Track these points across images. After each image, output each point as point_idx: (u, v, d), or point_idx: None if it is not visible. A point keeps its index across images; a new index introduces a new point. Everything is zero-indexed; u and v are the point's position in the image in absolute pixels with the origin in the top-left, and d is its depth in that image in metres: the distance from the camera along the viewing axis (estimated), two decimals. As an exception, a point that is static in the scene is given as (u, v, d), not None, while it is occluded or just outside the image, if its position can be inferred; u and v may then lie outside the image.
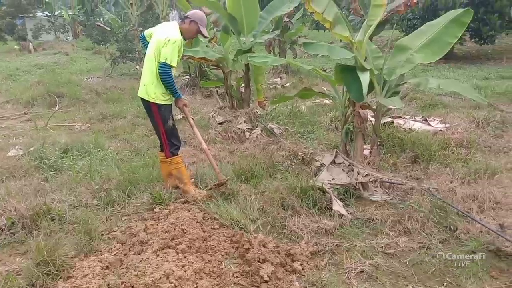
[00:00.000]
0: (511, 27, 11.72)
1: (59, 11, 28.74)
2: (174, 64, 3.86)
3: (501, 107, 7.04)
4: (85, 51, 20.70)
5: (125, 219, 3.76)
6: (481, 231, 3.38)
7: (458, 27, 3.95)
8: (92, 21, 18.90)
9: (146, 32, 4.24)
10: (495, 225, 3.47)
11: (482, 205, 3.78)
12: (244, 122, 6.38)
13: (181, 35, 4.00)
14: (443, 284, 2.86)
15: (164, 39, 3.84)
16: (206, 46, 7.03)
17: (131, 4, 13.77)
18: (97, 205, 3.99)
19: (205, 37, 4.29)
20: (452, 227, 3.47)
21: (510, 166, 4.65)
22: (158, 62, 3.88)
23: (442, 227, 3.49)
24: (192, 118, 4.42)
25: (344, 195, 4.06)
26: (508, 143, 5.39)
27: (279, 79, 11.25)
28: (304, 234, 3.47)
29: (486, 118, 6.18)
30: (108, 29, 14.70)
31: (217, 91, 8.64)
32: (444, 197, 3.89)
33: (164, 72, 3.84)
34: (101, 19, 18.30)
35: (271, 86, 10.19)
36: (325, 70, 10.97)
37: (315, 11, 3.79)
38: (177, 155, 4.15)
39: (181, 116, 4.44)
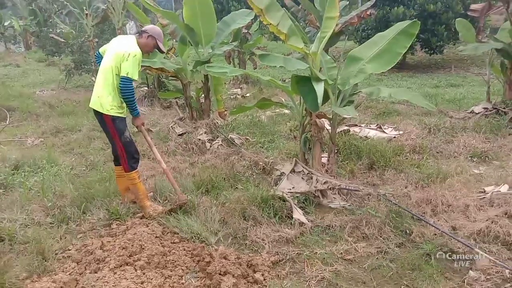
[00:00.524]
0: (457, 37, 12.35)
1: (9, 21, 27.58)
2: (135, 77, 3.80)
3: (450, 113, 7.38)
4: (38, 62, 19.92)
5: (81, 237, 3.63)
6: (435, 234, 3.52)
7: (407, 38, 4.13)
8: (45, 32, 18.24)
9: (101, 49, 4.13)
10: (448, 228, 3.62)
11: (435, 208, 3.94)
12: (205, 133, 6.35)
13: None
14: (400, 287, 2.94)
15: (124, 53, 3.78)
16: (164, 57, 6.96)
17: (86, 14, 13.42)
18: (50, 223, 3.83)
19: (162, 52, 4.26)
20: (407, 231, 3.59)
21: (460, 170, 4.88)
22: (117, 75, 3.81)
23: (398, 231, 3.60)
24: (150, 131, 4.35)
25: (304, 203, 4.11)
26: (458, 148, 5.65)
27: (239, 89, 11.28)
28: (266, 243, 3.48)
29: (437, 125, 6.47)
30: (63, 40, 14.25)
31: (176, 102, 8.55)
32: (399, 202, 4.02)
33: (125, 87, 3.77)
34: (55, 30, 17.73)
35: (231, 97, 10.20)
36: (284, 81, 11.13)
37: (270, 24, 3.84)
38: (136, 168, 4.05)
39: (138, 130, 4.33)
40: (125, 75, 3.75)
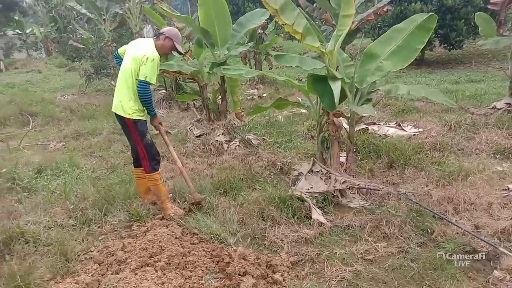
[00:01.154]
0: (476, 32, 12.11)
1: (31, 28, 28.29)
2: (153, 81, 3.86)
3: (471, 109, 7.23)
4: (58, 68, 20.42)
5: (102, 238, 3.69)
6: (457, 233, 3.45)
7: (424, 32, 4.05)
8: (65, 38, 18.65)
9: (120, 50, 4.21)
10: (470, 226, 3.55)
11: (457, 206, 3.86)
12: (222, 134, 6.38)
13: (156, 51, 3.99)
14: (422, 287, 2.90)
15: (142, 57, 3.82)
16: (181, 60, 7.03)
17: (104, 20, 13.66)
18: (73, 225, 3.90)
19: (180, 53, 4.29)
20: (429, 230, 3.53)
21: (482, 167, 4.77)
22: (136, 79, 3.86)
23: (419, 231, 3.54)
24: (169, 133, 4.40)
25: (322, 203, 4.09)
26: (479, 145, 5.53)
27: (256, 90, 11.31)
28: (285, 244, 3.47)
29: (458, 121, 6.35)
30: (82, 46, 14.55)
31: (194, 104, 8.62)
32: (420, 200, 3.96)
33: (143, 90, 3.83)
34: (74, 36, 18.09)
35: (248, 97, 10.23)
36: (300, 80, 11.10)
37: (285, 23, 3.83)
38: (158, 170, 4.10)
39: (156, 132, 4.40)
40: (143, 79, 3.80)
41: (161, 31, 4.15)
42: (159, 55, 4.04)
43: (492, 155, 5.26)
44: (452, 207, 3.85)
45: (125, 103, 3.92)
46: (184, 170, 4.18)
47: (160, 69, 6.06)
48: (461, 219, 3.68)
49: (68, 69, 19.41)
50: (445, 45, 13.83)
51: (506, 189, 4.19)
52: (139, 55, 3.84)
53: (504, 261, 3.07)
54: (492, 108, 7.09)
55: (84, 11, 14.51)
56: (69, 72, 18.47)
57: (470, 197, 3.95)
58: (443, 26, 12.70)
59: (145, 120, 4.07)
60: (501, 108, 6.89)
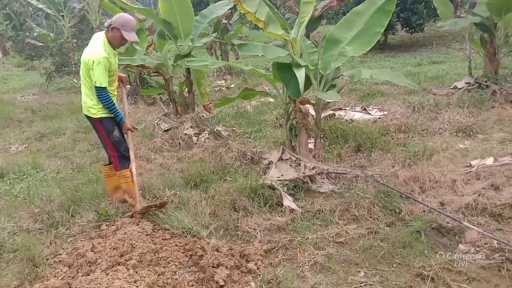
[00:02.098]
0: (436, 15, 12.40)
1: (-17, 27, 26.96)
2: (104, 84, 3.74)
3: (434, 90, 7.43)
4: (17, 68, 19.57)
5: (71, 240, 3.60)
6: (424, 211, 3.56)
7: (384, 16, 4.11)
8: (22, 36, 17.86)
9: None
10: (436, 204, 3.66)
11: (423, 185, 3.98)
12: (191, 127, 6.31)
13: (110, 44, 3.86)
14: (392, 266, 2.97)
15: (88, 61, 3.71)
16: (144, 53, 6.88)
17: (62, 16, 13.17)
18: (39, 229, 3.79)
19: (134, 41, 4.07)
20: (396, 210, 3.62)
21: (446, 146, 4.92)
22: (91, 81, 3.77)
23: (388, 211, 3.63)
24: (136, 129, 4.29)
25: (293, 189, 4.12)
26: (442, 124, 5.70)
27: (223, 81, 11.22)
28: (257, 233, 3.49)
29: (421, 102, 6.52)
30: (41, 44, 14.00)
31: (160, 98, 8.47)
32: (387, 181, 4.05)
33: (100, 96, 3.77)
34: (31, 34, 17.37)
35: (216, 89, 10.14)
36: (268, 69, 11.09)
37: (248, 12, 3.81)
38: (128, 167, 4.02)
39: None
40: (95, 84, 3.72)
41: (110, 21, 3.89)
42: (115, 47, 3.91)
43: (455, 133, 5.43)
44: (418, 186, 3.96)
45: (88, 103, 3.88)
46: (136, 178, 4.00)
47: (122, 64, 5.95)
48: (427, 197, 3.79)
49: (28, 69, 18.64)
50: (407, 28, 14.11)
51: (468, 166, 4.35)
52: (86, 59, 3.74)
53: (468, 235, 3.19)
54: (453, 88, 7.31)
55: (41, 6, 13.92)
56: (29, 72, 17.74)
57: (434, 175, 4.07)
58: (404, 10, 12.94)
59: (112, 117, 3.98)
60: (461, 88, 7.12)
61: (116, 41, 3.88)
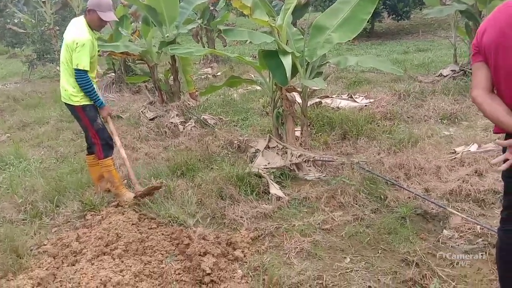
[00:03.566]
0: (422, 2, 12.44)
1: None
2: (87, 68, 3.65)
3: (419, 78, 7.47)
4: (-2, 56, 19.16)
5: (55, 231, 3.55)
6: (409, 197, 3.59)
7: (370, 3, 4.07)
8: (2, 23, 17.40)
9: None
10: (421, 190, 3.70)
11: (408, 172, 4.01)
12: (177, 115, 6.25)
13: (90, 28, 3.77)
14: (378, 252, 2.99)
15: (72, 43, 3.61)
16: (129, 40, 6.76)
17: (44, 2, 12.83)
18: (23, 220, 3.72)
19: (110, 21, 3.96)
20: (382, 197, 3.64)
21: (431, 133, 4.97)
22: (73, 68, 3.67)
23: (373, 198, 3.65)
24: (120, 117, 4.23)
25: (280, 177, 4.12)
26: (427, 112, 5.74)
27: (209, 69, 11.12)
28: (244, 221, 3.48)
29: (407, 90, 6.54)
30: (22, 30, 13.66)
31: (145, 86, 8.34)
32: (373, 169, 4.08)
33: (80, 79, 3.66)
34: (12, 20, 16.92)
35: (202, 77, 10.06)
36: (254, 57, 11.01)
37: (233, -2, 3.75)
38: (110, 156, 3.97)
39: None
40: (76, 67, 3.62)
41: (87, 4, 3.79)
42: (96, 31, 3.82)
43: (440, 120, 5.49)
44: (403, 173, 3.99)
45: (69, 90, 3.77)
46: (127, 161, 3.99)
47: (105, 51, 5.83)
48: (412, 183, 3.83)
49: (10, 56, 18.24)
50: (393, 16, 14.13)
51: (453, 152, 4.40)
52: (70, 41, 3.63)
53: (452, 221, 3.23)
54: (439, 75, 7.36)
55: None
56: (10, 60, 17.37)
57: (420, 162, 4.10)
58: (391, -3, 12.96)
59: (94, 105, 3.91)
60: (447, 75, 7.18)
61: (95, 24, 3.77)
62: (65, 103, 3.90)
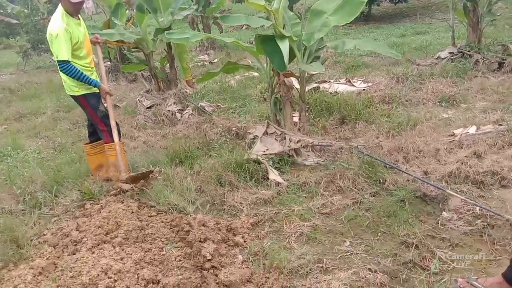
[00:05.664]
0: (420, -16, 12.38)
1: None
2: (66, 57, 3.61)
3: (417, 61, 7.42)
4: (-8, 47, 18.95)
5: (55, 220, 3.55)
6: (408, 180, 3.59)
7: (367, -14, 4.03)
8: (-5, 13, 17.19)
9: None
10: (420, 173, 3.70)
11: (407, 155, 4.01)
12: (174, 103, 6.21)
13: (68, 13, 3.70)
14: (378, 235, 3.01)
15: (49, 36, 3.62)
16: (123, 28, 6.67)
17: (37, -9, 12.68)
18: (22, 210, 3.73)
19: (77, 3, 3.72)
20: (381, 180, 3.65)
21: (429, 116, 4.96)
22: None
23: (372, 181, 3.65)
24: (117, 106, 4.20)
25: (279, 163, 4.12)
26: (426, 95, 5.72)
27: (206, 55, 11.03)
28: (244, 207, 3.49)
29: (405, 73, 6.50)
30: (15, 21, 13.51)
31: (142, 75, 8.30)
32: (371, 152, 4.07)
33: (64, 70, 3.67)
34: (5, 11, 16.70)
35: (199, 64, 9.97)
36: (251, 43, 10.91)
37: (228, -18, 3.69)
38: (120, 140, 4.00)
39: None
40: (57, 59, 3.63)
41: None
42: (73, 15, 3.73)
43: (438, 103, 5.47)
44: (402, 156, 3.99)
45: (67, 82, 3.83)
46: (119, 148, 3.97)
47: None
48: (411, 166, 3.82)
49: (4, 47, 18.06)
50: (391, -1, 14.02)
51: (451, 135, 4.39)
52: (48, 35, 3.64)
53: (451, 203, 3.24)
54: (437, 58, 7.31)
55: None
56: (5, 50, 17.21)
57: (418, 145, 4.10)
58: (388, -20, 12.83)
59: (96, 93, 3.94)
60: (445, 58, 7.13)
61: (69, 9, 3.71)
62: (69, 95, 3.96)
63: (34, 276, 2.77)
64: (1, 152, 5.17)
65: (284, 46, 3.73)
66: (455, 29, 7.60)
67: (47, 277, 2.76)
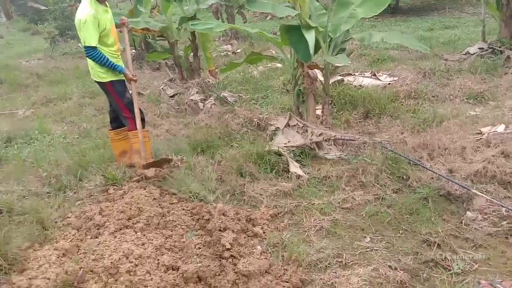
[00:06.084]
0: (451, -23, 12.01)
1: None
2: (93, 43, 3.67)
3: (445, 56, 7.23)
4: (22, 32, 19.32)
5: (79, 204, 3.63)
6: (432, 178, 3.52)
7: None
8: (24, 0, 17.55)
9: None
10: (445, 171, 3.62)
11: (432, 152, 3.92)
12: (197, 93, 6.24)
13: (98, 1, 3.73)
14: (399, 232, 2.97)
15: (77, 23, 3.66)
16: (149, 16, 6.72)
17: (65, -22, 12.86)
18: (47, 193, 3.82)
19: None
20: (404, 177, 3.59)
21: (456, 113, 4.84)
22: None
23: (395, 178, 3.60)
24: (141, 94, 4.23)
25: (300, 156, 4.10)
26: (453, 91, 5.58)
27: (229, 46, 11.01)
28: (264, 198, 3.49)
29: (432, 68, 6.35)
30: (44, 7, 13.75)
31: (166, 63, 8.35)
32: (395, 148, 4.00)
33: (91, 56, 3.73)
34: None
35: (222, 54, 9.97)
36: (275, 33, 10.83)
37: (255, -29, 3.66)
38: (144, 127, 4.05)
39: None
40: (84, 44, 3.68)
41: None
42: (101, 1, 3.76)
43: (466, 100, 5.33)
44: (427, 153, 3.90)
45: (95, 69, 3.87)
46: (141, 136, 3.99)
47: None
48: (435, 164, 3.74)
49: (33, 33, 18.37)
50: (420, -9, 13.65)
51: (478, 133, 4.28)
52: (76, 21, 3.69)
53: (476, 202, 3.16)
54: (466, 53, 7.10)
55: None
56: (33, 36, 17.51)
57: (444, 142, 4.00)
58: (417, -28, 12.48)
59: (122, 80, 3.98)
60: (474, 53, 6.92)
61: None
62: (96, 81, 3.99)
63: (58, 257, 2.84)
64: (28, 135, 5.31)
65: (310, 37, 3.69)
66: (486, 24, 7.36)
67: (70, 258, 2.83)
